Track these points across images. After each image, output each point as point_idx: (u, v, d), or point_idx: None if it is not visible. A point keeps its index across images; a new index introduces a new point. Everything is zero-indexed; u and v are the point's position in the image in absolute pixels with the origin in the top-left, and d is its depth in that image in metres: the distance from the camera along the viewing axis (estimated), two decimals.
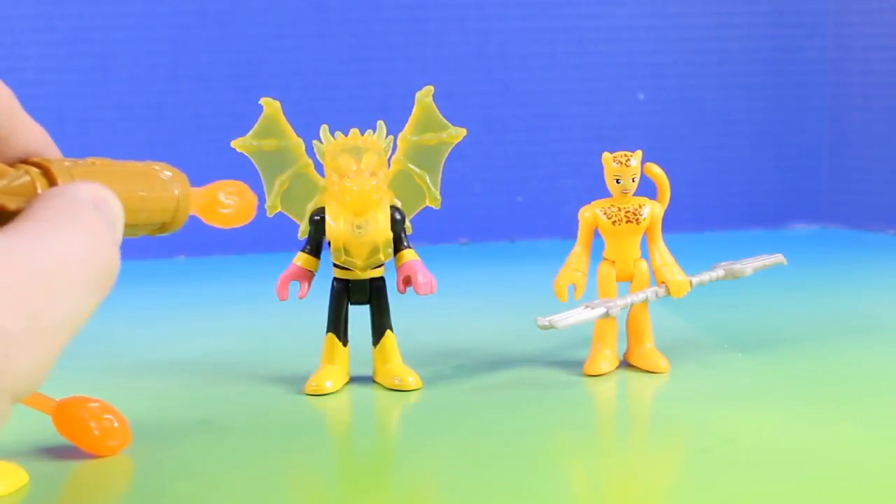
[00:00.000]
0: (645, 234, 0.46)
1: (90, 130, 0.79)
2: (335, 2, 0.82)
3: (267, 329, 0.56)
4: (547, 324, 0.42)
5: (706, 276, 0.46)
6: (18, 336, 0.19)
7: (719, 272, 0.47)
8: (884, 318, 0.55)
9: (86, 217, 0.22)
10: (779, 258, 0.49)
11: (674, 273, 0.45)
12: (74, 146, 0.83)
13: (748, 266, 0.47)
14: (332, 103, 0.83)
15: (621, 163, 0.44)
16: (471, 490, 0.33)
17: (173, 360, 0.50)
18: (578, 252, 0.45)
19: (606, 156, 0.44)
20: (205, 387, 0.45)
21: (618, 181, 0.44)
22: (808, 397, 0.42)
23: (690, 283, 0.45)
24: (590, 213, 0.45)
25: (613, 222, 0.45)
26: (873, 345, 0.50)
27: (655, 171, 0.46)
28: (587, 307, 0.43)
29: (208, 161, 0.81)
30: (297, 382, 0.45)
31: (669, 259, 0.46)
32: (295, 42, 0.82)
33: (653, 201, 0.46)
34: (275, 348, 0.52)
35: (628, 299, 0.44)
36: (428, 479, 0.34)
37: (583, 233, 0.45)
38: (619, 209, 0.45)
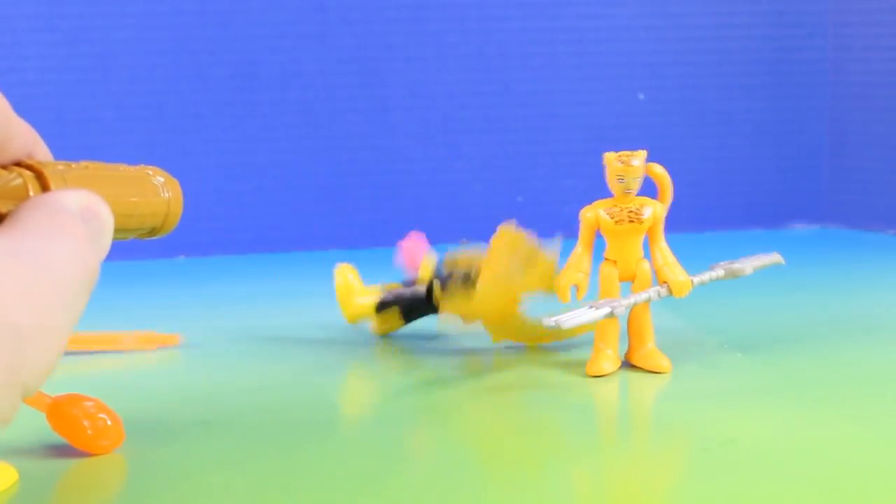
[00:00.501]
0: (646, 234, 0.46)
1: (90, 130, 0.79)
2: (335, 2, 0.82)
3: (266, 329, 0.56)
4: (553, 324, 0.42)
5: (706, 276, 0.46)
6: (28, 333, 0.20)
7: (719, 272, 0.47)
8: (884, 318, 0.55)
9: (70, 227, 0.22)
10: (776, 258, 0.49)
11: (676, 273, 0.45)
12: (74, 146, 0.83)
13: (747, 265, 0.47)
14: (332, 103, 0.83)
15: (624, 162, 0.44)
16: (471, 490, 0.33)
17: (172, 360, 0.50)
18: (580, 252, 0.45)
19: (609, 155, 0.44)
20: (203, 386, 0.45)
21: (621, 180, 0.44)
22: (809, 397, 0.42)
23: (692, 282, 0.45)
24: (592, 214, 0.45)
25: (616, 222, 0.45)
26: (873, 345, 0.50)
27: (657, 170, 0.46)
28: (592, 307, 0.43)
29: (208, 161, 0.81)
30: (296, 382, 0.45)
31: (671, 259, 0.45)
32: (295, 42, 0.82)
33: (654, 201, 0.46)
34: (274, 349, 0.52)
35: (632, 299, 0.44)
36: (428, 479, 0.34)
37: (584, 233, 0.45)
38: (622, 209, 0.45)
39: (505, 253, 0.45)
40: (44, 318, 0.20)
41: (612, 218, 0.45)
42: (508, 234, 0.46)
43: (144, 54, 0.79)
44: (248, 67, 0.81)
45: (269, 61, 0.81)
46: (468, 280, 0.46)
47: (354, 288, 0.52)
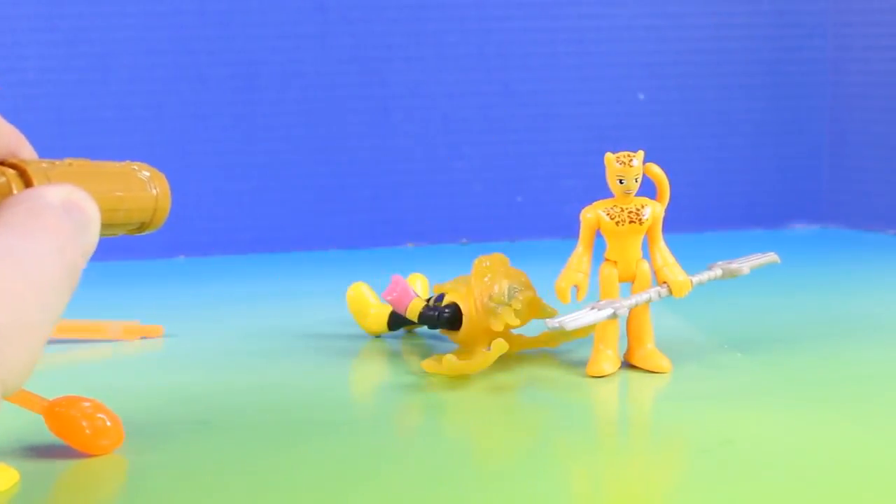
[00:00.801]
0: (646, 234, 0.46)
1: (90, 130, 0.79)
2: (335, 2, 0.82)
3: (266, 329, 0.56)
4: (557, 325, 0.42)
5: (705, 276, 0.47)
6: (5, 331, 0.20)
7: (717, 272, 0.47)
8: (884, 318, 0.55)
9: (52, 222, 0.22)
10: (772, 257, 0.49)
11: (675, 273, 0.45)
12: (74, 146, 0.83)
13: (745, 265, 0.47)
14: (332, 103, 0.83)
15: (624, 163, 0.44)
16: (470, 490, 0.33)
17: (171, 360, 0.50)
18: (580, 253, 0.45)
19: (609, 156, 0.44)
20: (203, 386, 0.45)
21: (621, 181, 0.44)
22: (809, 397, 0.42)
23: (691, 282, 0.45)
24: (592, 214, 0.45)
25: (616, 223, 0.45)
26: (873, 345, 0.50)
27: (655, 171, 0.46)
28: (594, 308, 0.43)
29: (208, 161, 0.81)
30: (295, 382, 0.45)
31: (670, 259, 0.46)
32: (295, 42, 0.81)
33: (653, 201, 0.46)
34: (274, 348, 0.52)
35: (633, 300, 0.44)
36: (427, 478, 0.34)
37: (585, 234, 0.45)
38: (622, 210, 0.45)
39: (488, 280, 0.45)
40: (21, 315, 0.20)
41: (612, 218, 0.45)
42: (488, 260, 0.47)
43: (144, 54, 0.79)
44: (248, 67, 0.81)
45: (269, 61, 0.81)
46: (453, 319, 0.47)
47: (368, 301, 0.53)
